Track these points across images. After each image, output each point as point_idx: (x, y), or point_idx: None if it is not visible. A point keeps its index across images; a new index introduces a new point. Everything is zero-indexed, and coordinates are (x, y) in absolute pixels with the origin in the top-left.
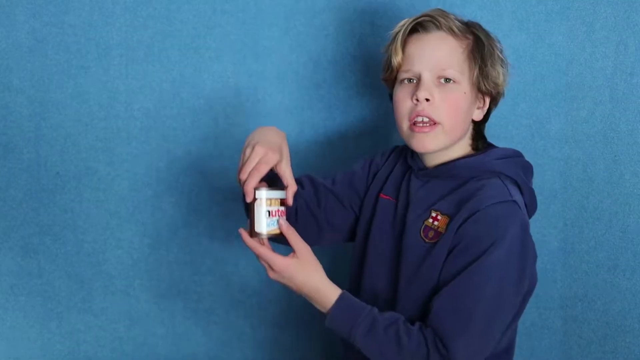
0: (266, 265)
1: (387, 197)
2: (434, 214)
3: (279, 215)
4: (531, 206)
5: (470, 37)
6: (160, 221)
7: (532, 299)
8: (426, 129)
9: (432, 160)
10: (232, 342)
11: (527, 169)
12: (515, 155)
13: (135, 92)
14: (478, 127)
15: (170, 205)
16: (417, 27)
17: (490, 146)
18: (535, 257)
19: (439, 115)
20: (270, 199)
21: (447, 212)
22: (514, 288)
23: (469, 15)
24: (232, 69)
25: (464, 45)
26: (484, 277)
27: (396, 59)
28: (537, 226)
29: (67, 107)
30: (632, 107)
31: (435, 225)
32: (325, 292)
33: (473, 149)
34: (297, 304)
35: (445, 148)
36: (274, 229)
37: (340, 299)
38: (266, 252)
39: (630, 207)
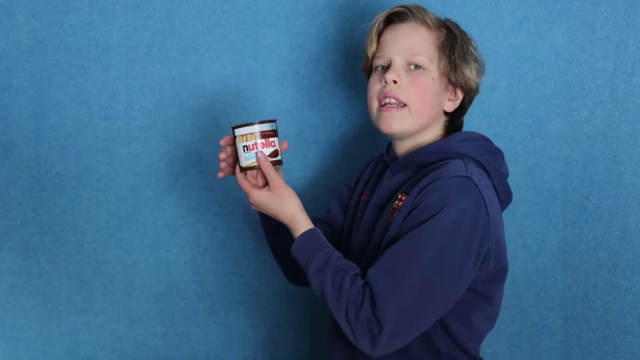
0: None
1: (366, 197)
2: (399, 196)
3: (257, 149)
4: (503, 191)
5: (444, 30)
6: (160, 221)
7: (532, 299)
8: (393, 110)
9: (402, 148)
10: (232, 342)
11: (495, 153)
12: (480, 139)
13: (135, 92)
14: (452, 120)
15: (170, 205)
16: (393, 17)
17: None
18: (502, 241)
19: (406, 97)
20: (244, 135)
21: (408, 191)
22: (456, 259)
23: (468, 15)
24: (232, 69)
25: (435, 36)
26: (423, 242)
27: (371, 49)
28: (537, 226)
29: (67, 107)
30: (632, 107)
31: (399, 206)
32: (299, 222)
33: (439, 135)
34: (297, 304)
35: (413, 132)
36: (251, 162)
37: (308, 231)
38: (244, 184)
39: (630, 207)
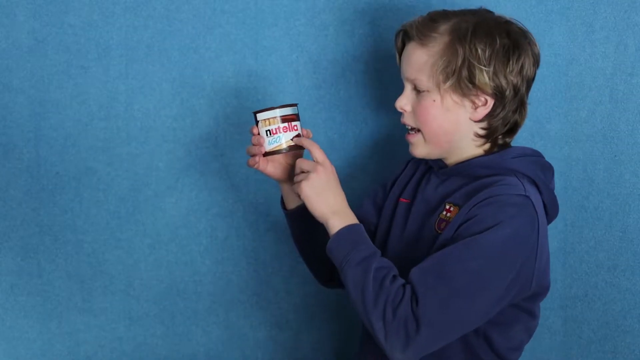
0: (306, 169)
1: (405, 200)
2: (447, 206)
3: (281, 132)
4: (552, 207)
5: (442, 40)
6: (160, 221)
7: None
8: (410, 137)
9: (449, 159)
10: (232, 342)
11: (547, 169)
12: (534, 155)
13: (135, 92)
14: (490, 124)
15: (170, 205)
16: (403, 37)
17: (509, 145)
18: (545, 262)
19: (415, 123)
20: (266, 119)
21: (459, 202)
22: (502, 275)
23: None
24: (232, 69)
25: (431, 52)
26: (475, 252)
27: (399, 63)
28: None
29: (67, 107)
30: (632, 107)
31: (447, 217)
32: (347, 211)
33: (485, 148)
34: (297, 303)
35: (442, 154)
36: (276, 146)
37: (356, 224)
38: (301, 159)
39: (630, 207)
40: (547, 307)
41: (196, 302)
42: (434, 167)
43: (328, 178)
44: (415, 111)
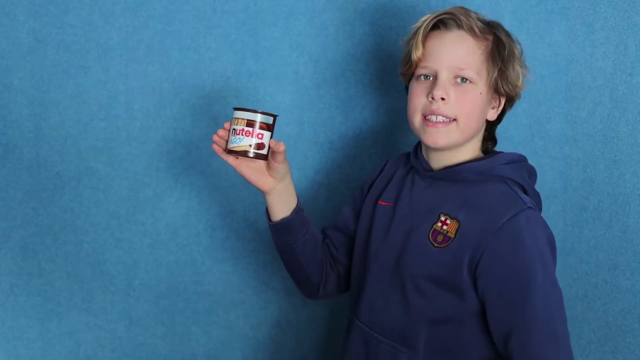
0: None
1: (386, 203)
2: (442, 218)
3: (243, 135)
4: (536, 208)
5: (491, 37)
6: (160, 221)
7: None
8: (440, 125)
9: (439, 162)
10: (232, 342)
11: (532, 173)
12: (521, 160)
13: (135, 92)
14: (491, 128)
15: (170, 205)
16: (439, 24)
17: (495, 152)
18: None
19: (454, 113)
20: (236, 118)
21: (456, 216)
22: (556, 283)
23: None
24: (232, 69)
25: (483, 46)
26: (542, 300)
27: (416, 54)
28: None
29: (67, 107)
30: (632, 107)
31: (444, 230)
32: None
33: (482, 151)
34: (297, 303)
35: (457, 146)
36: (234, 146)
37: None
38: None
39: (630, 207)
40: None
41: (196, 302)
42: (417, 167)
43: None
44: (458, 101)
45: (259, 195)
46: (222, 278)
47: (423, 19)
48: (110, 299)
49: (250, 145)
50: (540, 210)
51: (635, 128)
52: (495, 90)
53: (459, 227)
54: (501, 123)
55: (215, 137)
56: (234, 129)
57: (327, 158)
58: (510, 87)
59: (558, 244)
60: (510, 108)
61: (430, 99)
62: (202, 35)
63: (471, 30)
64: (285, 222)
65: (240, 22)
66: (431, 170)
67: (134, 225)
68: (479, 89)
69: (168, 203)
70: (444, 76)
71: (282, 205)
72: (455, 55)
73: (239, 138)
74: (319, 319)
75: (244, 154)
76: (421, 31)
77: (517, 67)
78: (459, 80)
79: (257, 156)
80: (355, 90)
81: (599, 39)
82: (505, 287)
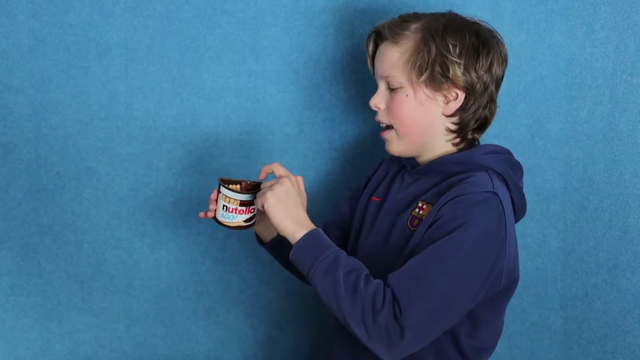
0: (267, 187)
1: (377, 199)
2: (420, 204)
3: (237, 213)
4: (520, 205)
5: (413, 37)
6: (160, 221)
7: (532, 299)
8: (384, 134)
9: (422, 157)
10: (232, 342)
11: (516, 167)
12: (504, 152)
13: (135, 92)
14: (461, 119)
15: (170, 205)
16: (377, 38)
17: (478, 142)
18: (514, 255)
19: (389, 120)
20: (226, 196)
21: (431, 200)
22: (477, 273)
23: (468, 15)
24: (232, 69)
25: (403, 49)
26: (450, 253)
27: (370, 66)
28: (537, 226)
29: (67, 107)
30: (632, 107)
31: (419, 214)
32: (308, 221)
33: (456, 143)
34: (297, 304)
35: (417, 150)
36: (228, 222)
37: (313, 230)
38: (280, 169)
39: (630, 207)
40: (547, 307)
41: (196, 302)
42: (407, 166)
43: (290, 189)
44: (389, 108)
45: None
46: (222, 278)
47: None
48: (110, 299)
49: (244, 221)
50: (524, 210)
51: (635, 128)
52: (434, 87)
53: (431, 209)
54: (501, 123)
55: (209, 213)
56: (225, 206)
57: (327, 158)
58: (442, 82)
59: (558, 244)
60: (474, 100)
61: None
62: (202, 35)
63: (392, 39)
64: (277, 238)
65: (240, 22)
66: (418, 165)
67: (134, 225)
68: (405, 92)
69: (168, 203)
70: (381, 87)
71: (270, 229)
72: (382, 65)
73: (233, 215)
74: (319, 319)
75: (237, 228)
76: (368, 46)
77: (451, 60)
78: (391, 88)
79: (250, 225)
80: (355, 90)
81: (599, 39)
82: (432, 233)
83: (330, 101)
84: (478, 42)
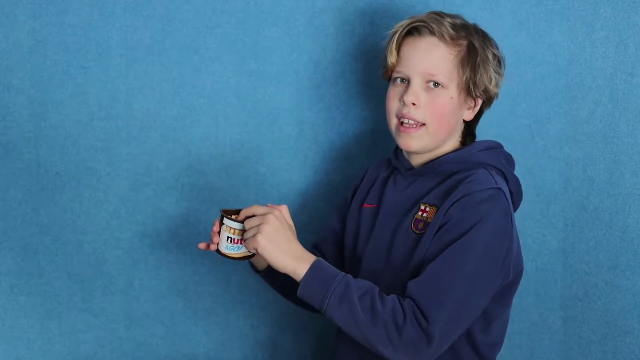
0: (255, 224)
1: (370, 206)
2: (422, 207)
3: (241, 244)
4: (517, 194)
5: (464, 42)
6: (160, 221)
7: (532, 299)
8: (411, 130)
9: (419, 159)
10: (232, 342)
11: (509, 159)
12: (497, 147)
13: (135, 92)
14: (469, 126)
15: (170, 205)
16: (412, 30)
17: (470, 141)
18: (517, 247)
19: (424, 117)
20: (230, 228)
21: (435, 202)
22: (491, 270)
23: (468, 15)
24: (232, 69)
25: (455, 52)
26: (464, 256)
27: (391, 59)
28: (537, 226)
29: (67, 107)
30: (632, 107)
31: (424, 217)
32: (305, 253)
33: (457, 145)
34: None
35: (432, 148)
36: (233, 253)
37: (315, 262)
38: (261, 209)
39: (630, 207)
40: (547, 307)
41: (196, 302)
42: (399, 168)
43: (277, 225)
44: (428, 106)
45: (259, 196)
46: (222, 278)
47: (399, 24)
48: (110, 299)
49: (248, 251)
50: (520, 198)
51: (635, 128)
52: (468, 93)
53: (436, 211)
54: (501, 123)
55: (212, 246)
56: (230, 237)
57: (327, 158)
58: (482, 90)
59: (558, 244)
60: (489, 107)
61: (402, 103)
62: (202, 35)
63: (442, 37)
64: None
65: (240, 22)
66: (412, 168)
67: (134, 225)
68: (449, 94)
69: (168, 203)
70: (416, 82)
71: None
72: (426, 62)
73: (237, 247)
74: (319, 319)
75: (243, 258)
76: (395, 37)
77: (490, 71)
78: (431, 85)
79: (255, 254)
80: (355, 90)
81: (599, 39)
82: (444, 237)
83: (330, 101)
84: (503, 57)
